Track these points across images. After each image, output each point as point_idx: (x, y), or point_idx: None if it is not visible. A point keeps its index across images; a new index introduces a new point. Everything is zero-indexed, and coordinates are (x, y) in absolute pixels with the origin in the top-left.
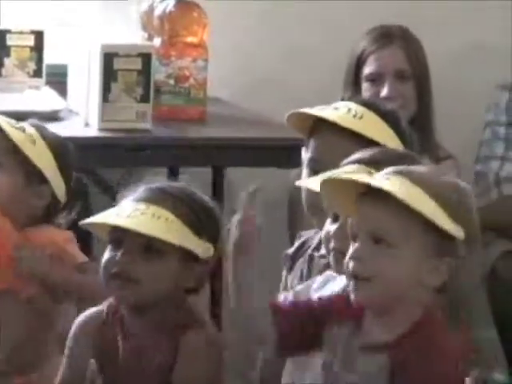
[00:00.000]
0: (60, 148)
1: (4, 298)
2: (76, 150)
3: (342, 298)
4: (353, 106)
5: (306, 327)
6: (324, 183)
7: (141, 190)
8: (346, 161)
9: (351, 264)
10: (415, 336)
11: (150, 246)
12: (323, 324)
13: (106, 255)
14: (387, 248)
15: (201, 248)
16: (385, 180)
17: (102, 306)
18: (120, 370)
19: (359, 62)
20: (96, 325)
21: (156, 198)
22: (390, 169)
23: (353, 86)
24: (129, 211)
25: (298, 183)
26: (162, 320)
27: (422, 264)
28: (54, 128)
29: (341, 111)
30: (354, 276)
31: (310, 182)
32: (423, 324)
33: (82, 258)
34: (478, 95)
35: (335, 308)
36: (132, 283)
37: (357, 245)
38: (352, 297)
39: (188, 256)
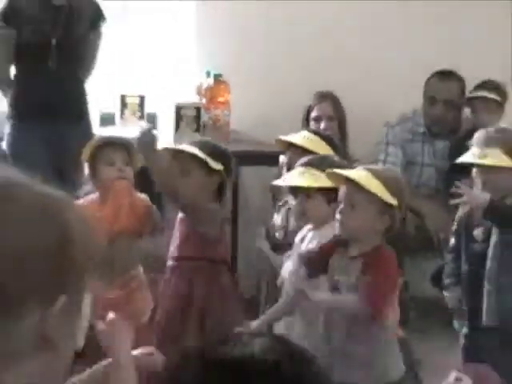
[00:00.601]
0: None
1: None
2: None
3: (334, 241)
4: (307, 133)
5: (321, 260)
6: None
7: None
8: (299, 163)
9: (338, 216)
10: (374, 251)
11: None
12: (329, 256)
13: None
14: (355, 209)
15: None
16: (355, 172)
17: None
18: None
19: (309, 110)
20: None
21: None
22: (361, 166)
23: (306, 123)
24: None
25: (278, 182)
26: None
27: (373, 217)
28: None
29: (301, 136)
30: (340, 223)
31: (283, 180)
32: (378, 246)
33: None
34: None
35: (332, 247)
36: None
37: (341, 206)
38: (340, 233)
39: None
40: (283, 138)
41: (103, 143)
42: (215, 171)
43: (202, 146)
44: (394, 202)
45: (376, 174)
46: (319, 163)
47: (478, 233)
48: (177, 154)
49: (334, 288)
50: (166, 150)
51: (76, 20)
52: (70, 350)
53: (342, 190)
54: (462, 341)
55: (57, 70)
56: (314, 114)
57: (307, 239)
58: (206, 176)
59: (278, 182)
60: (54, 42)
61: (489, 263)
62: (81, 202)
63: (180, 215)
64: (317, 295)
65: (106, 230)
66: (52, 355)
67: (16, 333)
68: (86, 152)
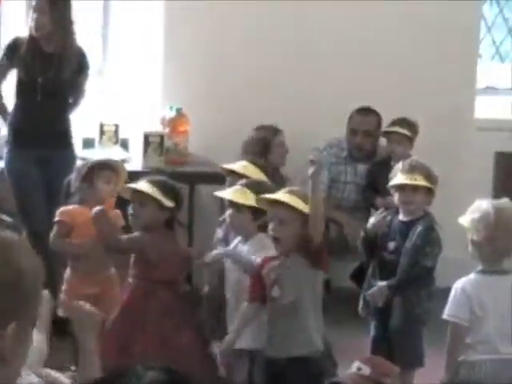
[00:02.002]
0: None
1: None
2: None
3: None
4: (245, 163)
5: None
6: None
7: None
8: (238, 183)
9: (272, 232)
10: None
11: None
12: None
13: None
14: (283, 224)
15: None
16: (283, 195)
17: None
18: None
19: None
20: None
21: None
22: (286, 189)
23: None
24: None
25: (217, 193)
26: None
27: (299, 227)
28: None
29: (240, 165)
30: (274, 238)
31: (223, 193)
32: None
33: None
34: None
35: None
36: None
37: (273, 224)
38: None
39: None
40: (225, 166)
41: (104, 164)
42: (166, 207)
43: (156, 183)
44: (307, 211)
45: (296, 194)
46: (252, 185)
47: (391, 246)
48: (136, 191)
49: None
50: (128, 188)
51: (64, 65)
52: (19, 367)
53: (272, 211)
54: (372, 332)
55: (44, 104)
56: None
57: (244, 248)
58: (158, 210)
59: (216, 193)
60: (40, 81)
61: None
62: (73, 208)
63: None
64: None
65: (91, 232)
66: (4, 370)
67: None
68: (84, 170)
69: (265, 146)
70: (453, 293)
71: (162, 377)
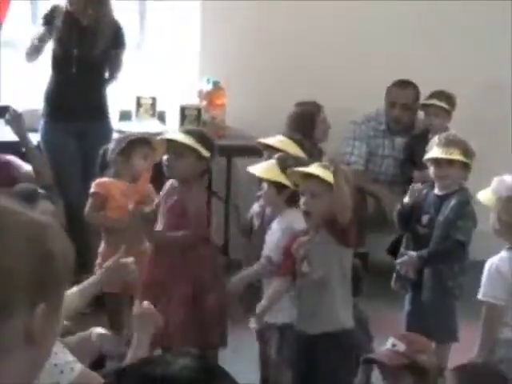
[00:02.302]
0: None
1: None
2: None
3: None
4: (281, 137)
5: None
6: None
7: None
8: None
9: (303, 207)
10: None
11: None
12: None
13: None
14: (314, 197)
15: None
16: (315, 168)
17: None
18: None
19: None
20: None
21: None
22: (318, 163)
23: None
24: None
25: (249, 168)
26: None
27: (330, 202)
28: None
29: (276, 139)
30: (305, 212)
31: (253, 168)
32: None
33: None
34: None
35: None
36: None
37: (305, 198)
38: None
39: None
40: (262, 140)
41: (141, 140)
42: (204, 157)
43: (194, 134)
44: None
45: (329, 169)
46: (283, 160)
47: (424, 219)
48: (171, 141)
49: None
50: (164, 140)
51: (99, 38)
52: (50, 347)
53: (304, 185)
54: (406, 307)
55: (79, 77)
56: None
57: (274, 224)
58: (195, 160)
59: (249, 169)
60: (75, 53)
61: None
62: (110, 181)
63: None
64: None
65: (126, 206)
66: (36, 352)
67: (5, 332)
68: (122, 144)
69: (310, 122)
70: (486, 272)
71: (191, 364)
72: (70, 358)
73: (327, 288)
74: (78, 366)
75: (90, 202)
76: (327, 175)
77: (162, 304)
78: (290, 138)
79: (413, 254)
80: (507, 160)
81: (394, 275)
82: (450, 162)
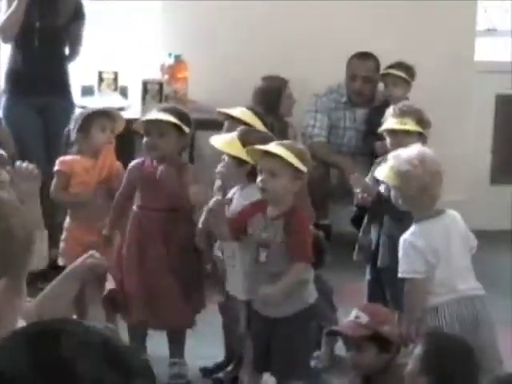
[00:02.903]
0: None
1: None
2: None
3: (256, 204)
4: (243, 109)
5: (240, 222)
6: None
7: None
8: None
9: (260, 184)
10: (290, 210)
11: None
12: (247, 218)
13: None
14: (274, 177)
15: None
16: (273, 147)
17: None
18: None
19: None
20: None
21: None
22: (277, 142)
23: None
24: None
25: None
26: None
27: (288, 181)
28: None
29: (237, 111)
30: (262, 189)
31: (214, 140)
32: (293, 207)
33: None
34: None
35: (249, 211)
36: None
37: (263, 175)
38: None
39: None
40: (223, 110)
41: (98, 112)
42: (185, 133)
43: (171, 111)
44: (304, 169)
45: (289, 148)
46: (244, 134)
47: (382, 188)
48: (151, 121)
49: (262, 245)
50: (144, 121)
51: (61, 10)
52: (12, 323)
53: (262, 162)
54: (367, 276)
55: (41, 50)
56: None
57: (234, 199)
58: (178, 138)
59: (210, 140)
60: (37, 26)
61: (385, 217)
62: (72, 158)
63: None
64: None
65: (91, 180)
66: None
67: None
68: (79, 120)
69: (276, 97)
70: (401, 249)
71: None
72: None
73: (283, 277)
74: None
75: (54, 180)
76: (287, 155)
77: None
78: (252, 110)
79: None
80: (470, 127)
81: (356, 247)
82: (406, 132)
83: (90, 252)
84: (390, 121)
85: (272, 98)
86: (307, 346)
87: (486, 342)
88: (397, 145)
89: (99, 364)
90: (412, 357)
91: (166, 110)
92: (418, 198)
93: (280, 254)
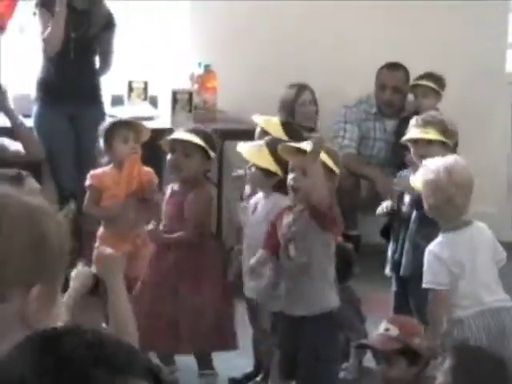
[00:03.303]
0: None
1: None
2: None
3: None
4: (273, 119)
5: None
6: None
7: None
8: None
9: (292, 182)
10: (316, 204)
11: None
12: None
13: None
14: (305, 174)
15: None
16: (306, 144)
17: None
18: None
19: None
20: None
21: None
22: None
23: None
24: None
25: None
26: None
27: (320, 181)
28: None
29: (264, 119)
30: (293, 187)
31: (241, 148)
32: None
33: None
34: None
35: (278, 216)
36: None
37: (295, 174)
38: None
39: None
40: (254, 117)
41: (119, 123)
42: (209, 157)
43: (199, 133)
44: (337, 170)
45: (323, 148)
46: (271, 143)
47: (406, 199)
48: (178, 141)
49: (290, 239)
50: (170, 140)
51: (94, 21)
52: None
53: (295, 160)
54: (393, 287)
55: (75, 61)
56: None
57: (259, 205)
58: (203, 160)
59: (238, 148)
60: (73, 37)
61: (410, 225)
62: (102, 171)
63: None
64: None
65: (120, 193)
66: None
67: (0, 315)
68: (102, 132)
69: (289, 106)
70: (426, 260)
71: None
72: None
73: (309, 272)
74: None
75: (87, 195)
76: (321, 154)
77: (166, 302)
78: (287, 122)
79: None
80: (501, 139)
81: (389, 262)
82: (429, 141)
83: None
84: (413, 130)
85: (285, 107)
86: (333, 355)
87: None
88: (419, 155)
89: (102, 365)
90: (441, 370)
91: (193, 131)
92: (443, 208)
93: (306, 244)
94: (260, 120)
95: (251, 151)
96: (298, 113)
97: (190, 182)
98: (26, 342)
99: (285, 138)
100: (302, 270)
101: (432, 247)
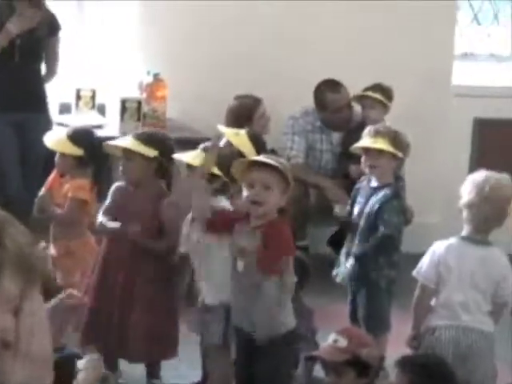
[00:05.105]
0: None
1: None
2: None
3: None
4: (242, 132)
5: (224, 222)
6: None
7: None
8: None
9: (254, 198)
10: (272, 222)
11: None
12: (233, 222)
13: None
14: (268, 189)
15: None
16: (268, 159)
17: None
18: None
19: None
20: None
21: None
22: (264, 155)
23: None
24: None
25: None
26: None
27: (280, 195)
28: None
29: (232, 132)
30: (255, 202)
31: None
32: (274, 220)
33: None
34: None
35: (233, 216)
36: None
37: (255, 188)
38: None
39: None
40: (220, 127)
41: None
42: (151, 158)
43: (139, 136)
44: (292, 183)
45: (277, 161)
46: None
47: (355, 209)
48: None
49: (240, 254)
50: (112, 145)
51: (39, 25)
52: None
53: (254, 174)
54: (348, 296)
55: (20, 67)
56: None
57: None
58: (144, 162)
59: (175, 156)
60: (18, 42)
61: (358, 232)
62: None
63: None
64: None
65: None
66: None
67: None
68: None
69: (246, 117)
70: (427, 253)
71: None
72: None
73: (266, 292)
74: None
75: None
76: (281, 167)
77: (121, 308)
78: (248, 132)
79: (348, 267)
80: (448, 151)
81: (335, 270)
82: (380, 152)
83: (69, 291)
84: (365, 140)
85: (243, 118)
86: (289, 372)
87: (478, 377)
88: (369, 164)
89: None
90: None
91: (135, 135)
92: (466, 211)
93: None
94: (229, 132)
95: (191, 157)
96: (256, 125)
97: (138, 185)
98: None
99: (253, 150)
100: (254, 290)
101: (437, 244)
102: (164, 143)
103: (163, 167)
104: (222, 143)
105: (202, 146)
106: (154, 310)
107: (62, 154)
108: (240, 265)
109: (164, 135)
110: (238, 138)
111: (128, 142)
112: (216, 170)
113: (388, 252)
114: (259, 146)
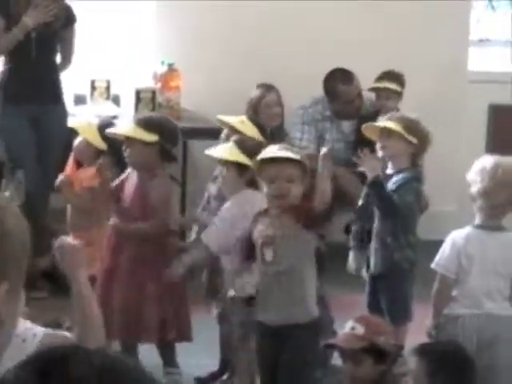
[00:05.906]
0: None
1: None
2: None
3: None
4: (244, 119)
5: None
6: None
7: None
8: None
9: (278, 191)
10: (293, 204)
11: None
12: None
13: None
14: (292, 182)
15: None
16: (284, 152)
17: None
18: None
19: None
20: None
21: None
22: (280, 146)
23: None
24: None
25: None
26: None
27: (300, 186)
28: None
29: (236, 119)
30: (281, 196)
31: (212, 151)
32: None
33: None
34: None
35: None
36: None
37: (279, 182)
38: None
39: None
40: (222, 118)
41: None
42: (151, 143)
43: (139, 122)
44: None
45: (294, 153)
46: (240, 143)
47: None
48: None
49: (266, 244)
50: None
51: (53, 19)
52: (14, 326)
53: (277, 169)
54: (367, 286)
55: (37, 59)
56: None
57: (225, 206)
58: (144, 146)
59: (207, 152)
60: (34, 35)
61: (376, 222)
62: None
63: None
64: None
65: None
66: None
67: None
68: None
69: (254, 106)
70: (446, 242)
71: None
72: (28, 324)
73: (295, 278)
74: (39, 329)
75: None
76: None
77: (125, 293)
78: (250, 119)
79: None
80: (463, 137)
81: (350, 257)
82: (389, 132)
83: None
84: (378, 123)
85: (252, 106)
86: (315, 363)
87: (504, 362)
88: (380, 145)
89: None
90: (408, 371)
91: (135, 121)
92: (479, 200)
93: (288, 249)
94: (234, 121)
95: (221, 151)
96: (262, 113)
97: (142, 169)
98: (32, 362)
99: (260, 136)
100: (285, 277)
101: (455, 233)
102: (164, 127)
103: (165, 151)
104: (222, 135)
105: (233, 138)
106: (159, 293)
107: (88, 143)
108: (269, 254)
109: (164, 118)
110: (244, 125)
111: (128, 128)
112: (246, 161)
113: (406, 232)
114: (262, 131)
